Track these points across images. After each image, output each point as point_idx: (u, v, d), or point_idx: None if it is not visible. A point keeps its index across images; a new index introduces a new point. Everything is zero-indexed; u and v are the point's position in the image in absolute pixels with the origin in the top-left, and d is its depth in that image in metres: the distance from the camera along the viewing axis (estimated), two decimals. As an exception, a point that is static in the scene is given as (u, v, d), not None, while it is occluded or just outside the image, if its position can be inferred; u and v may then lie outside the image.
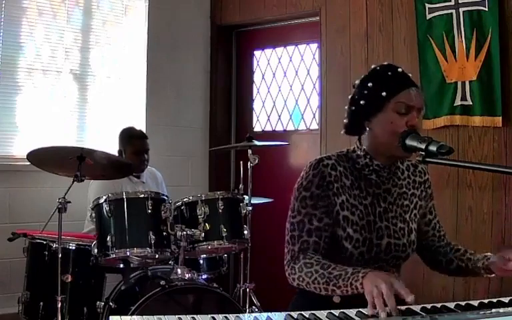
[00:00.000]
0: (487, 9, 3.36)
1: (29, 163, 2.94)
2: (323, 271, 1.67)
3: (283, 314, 1.46)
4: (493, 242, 3.37)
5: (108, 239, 2.73)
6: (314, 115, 4.48)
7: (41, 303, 2.92)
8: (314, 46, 4.46)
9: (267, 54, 4.80)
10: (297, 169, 3.84)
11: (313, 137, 4.39)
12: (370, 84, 1.81)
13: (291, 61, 4.65)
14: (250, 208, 3.38)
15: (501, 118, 3.35)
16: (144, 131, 3.96)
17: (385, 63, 1.88)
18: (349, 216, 1.80)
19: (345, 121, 1.90)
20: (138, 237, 2.76)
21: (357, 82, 1.87)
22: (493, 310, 1.53)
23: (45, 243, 2.97)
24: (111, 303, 2.84)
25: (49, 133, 4.01)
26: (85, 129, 4.24)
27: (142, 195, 2.84)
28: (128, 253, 2.77)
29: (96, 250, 2.78)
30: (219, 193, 3.03)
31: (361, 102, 1.82)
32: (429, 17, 3.59)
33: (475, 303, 1.59)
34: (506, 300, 1.63)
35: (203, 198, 2.97)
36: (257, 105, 4.86)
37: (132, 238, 2.76)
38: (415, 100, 1.78)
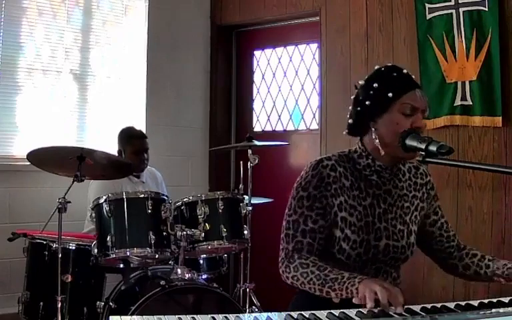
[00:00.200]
0: (486, 9, 3.36)
1: (28, 163, 2.94)
2: (319, 272, 1.68)
3: (283, 314, 1.46)
4: (493, 242, 3.37)
5: (108, 239, 2.73)
6: (314, 115, 4.48)
7: (41, 303, 2.92)
8: (314, 46, 4.46)
9: (266, 54, 4.80)
10: (296, 169, 3.84)
11: (313, 137, 4.39)
12: (375, 84, 1.81)
13: (290, 61, 4.65)
14: (250, 208, 3.38)
15: (501, 118, 3.35)
16: (144, 131, 3.97)
17: (389, 64, 1.88)
18: (347, 217, 1.80)
19: (349, 121, 1.89)
20: (138, 237, 2.76)
21: (361, 82, 1.87)
22: (493, 310, 1.53)
23: (44, 243, 2.96)
24: (110, 303, 2.84)
25: (49, 133, 4.01)
26: (85, 129, 4.24)
27: (142, 195, 2.84)
28: (128, 253, 2.77)
29: (96, 250, 2.78)
30: (218, 193, 3.03)
31: (366, 102, 1.81)
32: (428, 17, 3.59)
33: (475, 303, 1.59)
34: (506, 300, 1.63)
35: (203, 198, 2.97)
36: (256, 105, 4.86)
37: (132, 238, 2.76)
38: (420, 101, 1.78)
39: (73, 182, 2.82)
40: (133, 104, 4.47)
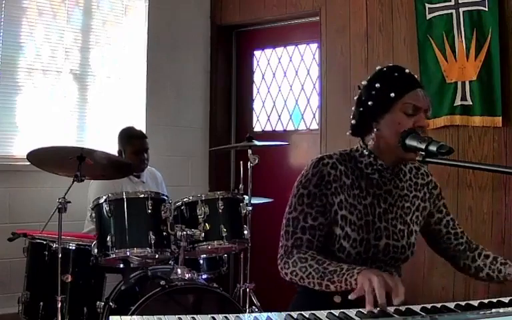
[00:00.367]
0: (486, 9, 3.36)
1: (28, 163, 2.94)
2: (317, 266, 1.68)
3: (283, 314, 1.46)
4: (493, 242, 3.37)
5: (108, 239, 2.72)
6: (314, 115, 4.48)
7: (41, 303, 2.92)
8: (314, 46, 4.46)
9: (266, 54, 4.80)
10: (296, 169, 3.84)
11: (313, 137, 4.39)
12: (377, 85, 1.81)
13: (290, 61, 4.65)
14: (250, 208, 3.38)
15: (501, 118, 3.35)
16: (144, 131, 3.97)
17: (391, 64, 1.88)
18: (347, 215, 1.80)
19: (352, 122, 1.89)
20: (138, 237, 2.76)
21: (364, 83, 1.87)
22: (493, 310, 1.53)
23: (44, 243, 2.96)
24: (110, 303, 2.84)
25: (49, 133, 4.01)
26: (85, 128, 4.24)
27: (142, 195, 2.84)
28: (128, 253, 2.77)
29: (96, 250, 2.78)
30: (218, 193, 3.03)
31: (369, 103, 1.82)
32: (428, 17, 3.59)
33: (475, 303, 1.59)
34: (506, 300, 1.63)
35: (203, 198, 2.97)
36: (256, 105, 4.86)
37: (132, 238, 2.76)
38: (422, 101, 1.78)
39: (72, 182, 2.82)
40: (133, 104, 4.47)
